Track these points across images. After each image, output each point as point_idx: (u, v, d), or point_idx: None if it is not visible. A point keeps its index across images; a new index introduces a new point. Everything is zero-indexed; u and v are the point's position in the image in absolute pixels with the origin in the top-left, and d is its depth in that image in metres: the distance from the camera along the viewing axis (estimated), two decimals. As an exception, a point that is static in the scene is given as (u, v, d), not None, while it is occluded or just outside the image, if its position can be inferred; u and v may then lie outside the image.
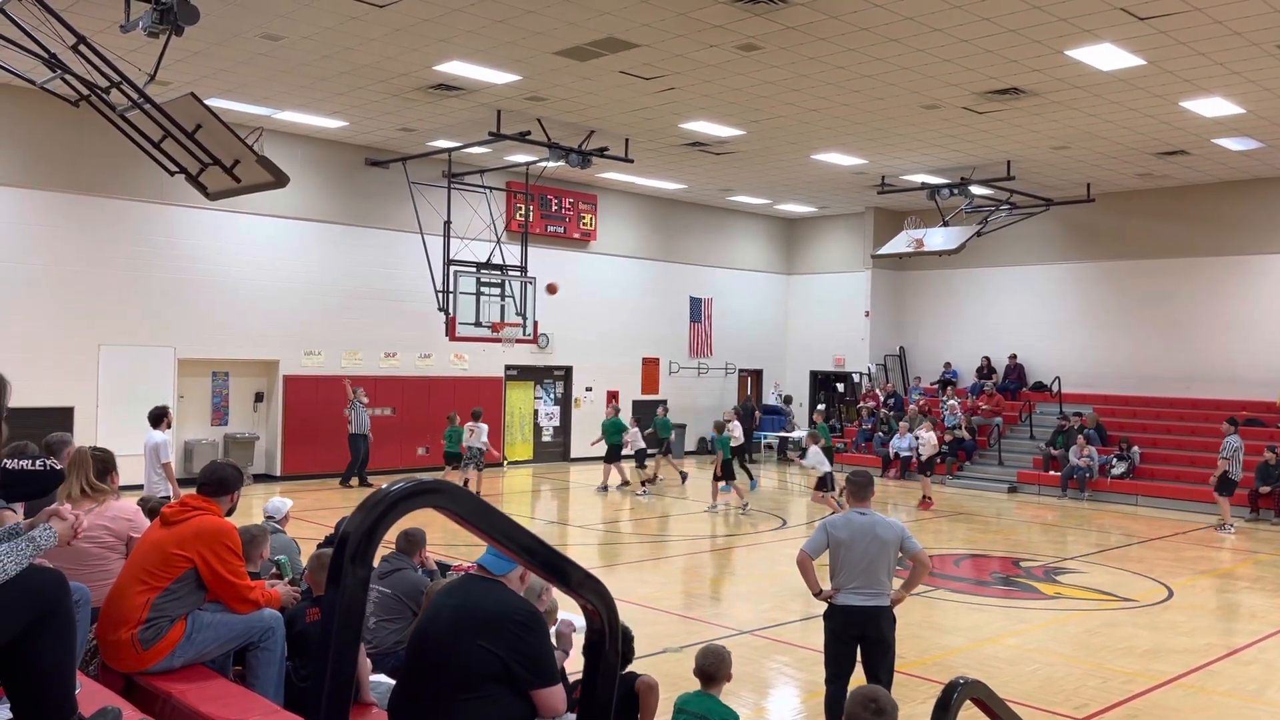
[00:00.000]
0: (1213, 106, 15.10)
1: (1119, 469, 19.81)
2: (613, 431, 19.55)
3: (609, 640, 1.68)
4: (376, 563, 6.62)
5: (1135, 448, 20.05)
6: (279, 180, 10.36)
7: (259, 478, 18.70)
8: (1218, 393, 21.03)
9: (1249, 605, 11.04)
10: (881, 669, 6.05)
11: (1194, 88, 14.22)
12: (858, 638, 6.14)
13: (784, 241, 28.63)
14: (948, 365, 25.42)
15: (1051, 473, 20.40)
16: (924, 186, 20.82)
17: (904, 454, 21.59)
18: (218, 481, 4.84)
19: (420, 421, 20.62)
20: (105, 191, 16.81)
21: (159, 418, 11.06)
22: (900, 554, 6.23)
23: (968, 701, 3.14)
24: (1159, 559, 13.73)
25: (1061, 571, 12.72)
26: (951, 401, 23.07)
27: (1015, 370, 24.22)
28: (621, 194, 24.46)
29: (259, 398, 19.42)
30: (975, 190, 20.30)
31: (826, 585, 6.32)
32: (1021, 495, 20.34)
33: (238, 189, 10.64)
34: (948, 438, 22.15)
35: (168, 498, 9.47)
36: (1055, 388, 23.21)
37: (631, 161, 18.43)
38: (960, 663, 8.64)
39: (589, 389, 24.27)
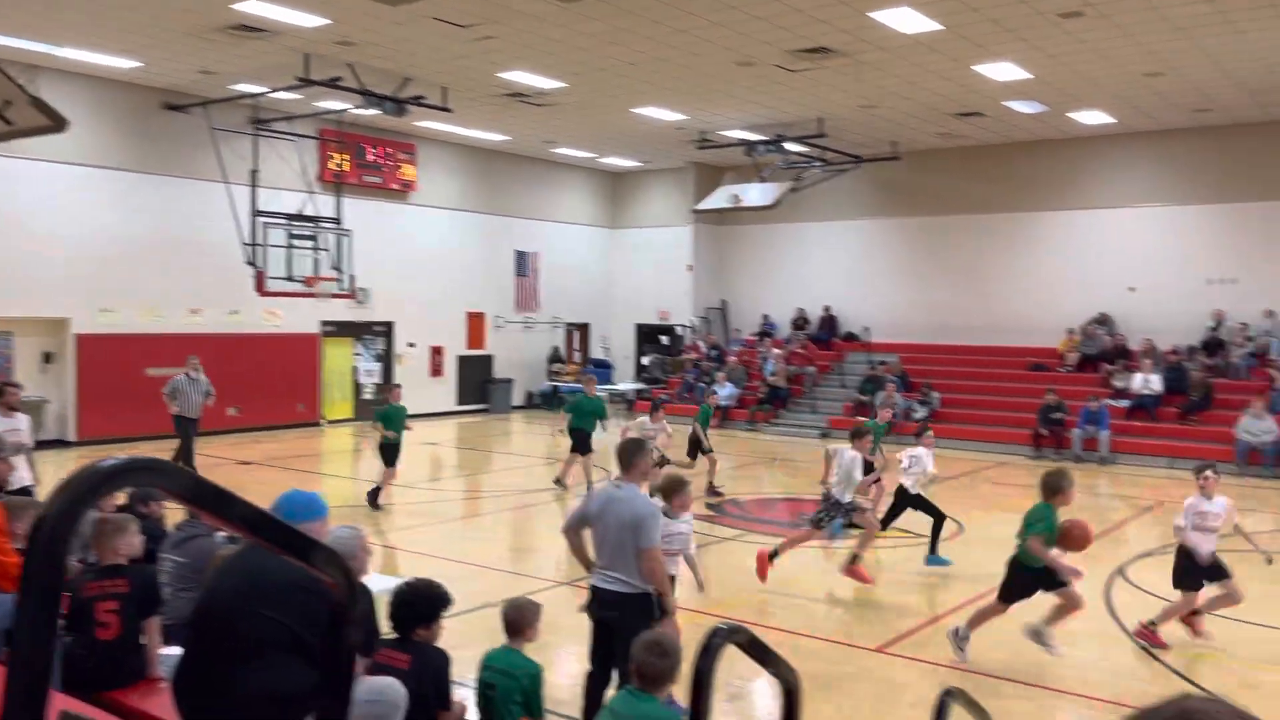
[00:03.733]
0: (1003, 71, 16.03)
1: (921, 413, 21.04)
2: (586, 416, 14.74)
3: (349, 615, 1.66)
4: (171, 530, 6.35)
5: (936, 393, 21.34)
6: (57, 124, 9.50)
7: (48, 444, 17.44)
8: (1010, 340, 22.60)
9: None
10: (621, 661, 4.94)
11: (986, 53, 15.05)
12: (605, 623, 5.56)
13: (609, 195, 28.72)
14: (766, 317, 26.27)
15: (861, 418, 21.44)
16: (742, 143, 21.27)
17: (724, 403, 22.22)
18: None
19: (228, 381, 19.65)
20: None
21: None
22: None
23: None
24: (954, 496, 14.69)
25: (863, 511, 13.42)
26: (774, 352, 23.89)
27: (828, 321, 25.28)
28: (442, 144, 23.88)
29: (47, 358, 18.05)
30: (790, 147, 20.88)
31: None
32: (833, 441, 21.31)
33: (9, 132, 9.74)
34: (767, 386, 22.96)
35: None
36: (865, 337, 24.38)
37: (450, 111, 17.99)
38: (771, 602, 9.04)
39: (411, 344, 23.78)
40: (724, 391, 23.02)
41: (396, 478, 13.31)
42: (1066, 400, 19.12)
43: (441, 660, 4.35)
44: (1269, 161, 19.76)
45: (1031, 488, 15.12)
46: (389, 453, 12.98)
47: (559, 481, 14.56)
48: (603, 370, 27.45)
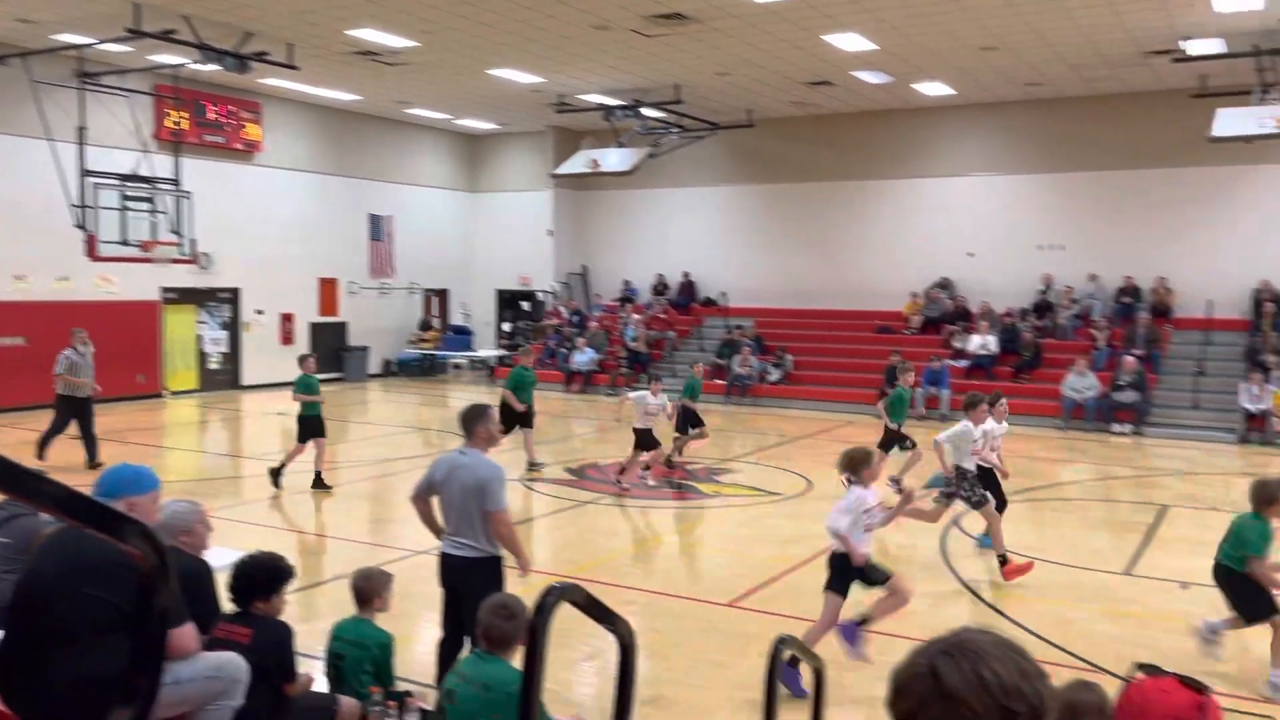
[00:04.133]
0: (851, 41, 16.50)
1: (775, 376, 21.66)
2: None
3: (156, 588, 1.63)
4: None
5: (789, 356, 21.98)
6: None
7: None
8: (859, 304, 23.44)
9: (882, 491, 12.53)
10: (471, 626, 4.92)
11: (834, 23, 15.45)
12: (454, 589, 5.55)
13: (467, 158, 28.24)
14: (627, 283, 26.44)
15: (719, 381, 21.94)
16: (599, 107, 21.23)
17: (584, 368, 22.36)
18: None
19: (58, 351, 18.57)
20: None
21: None
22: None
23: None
24: (804, 455, 15.26)
25: (722, 472, 13.81)
26: (634, 317, 24.10)
27: (687, 287, 25.64)
28: (290, 103, 22.95)
29: None
30: (647, 113, 20.98)
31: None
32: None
33: None
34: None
35: None
36: (722, 303, 24.86)
37: (296, 69, 17.29)
38: (625, 564, 9.21)
39: (260, 311, 22.92)
40: (584, 357, 23.14)
41: (305, 451, 12.44)
42: (911, 361, 19.97)
43: (283, 633, 4.28)
44: (1093, 134, 21.02)
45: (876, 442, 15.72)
46: (313, 426, 12.19)
47: (532, 464, 13.52)
48: (463, 337, 27.14)
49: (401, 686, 4.88)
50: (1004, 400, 9.99)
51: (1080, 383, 18.28)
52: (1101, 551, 9.72)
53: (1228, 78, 16.92)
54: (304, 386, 12.27)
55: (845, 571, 6.34)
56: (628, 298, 26.02)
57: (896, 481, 11.84)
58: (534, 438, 13.82)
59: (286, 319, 23.50)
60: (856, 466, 6.41)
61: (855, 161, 23.59)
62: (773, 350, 22.28)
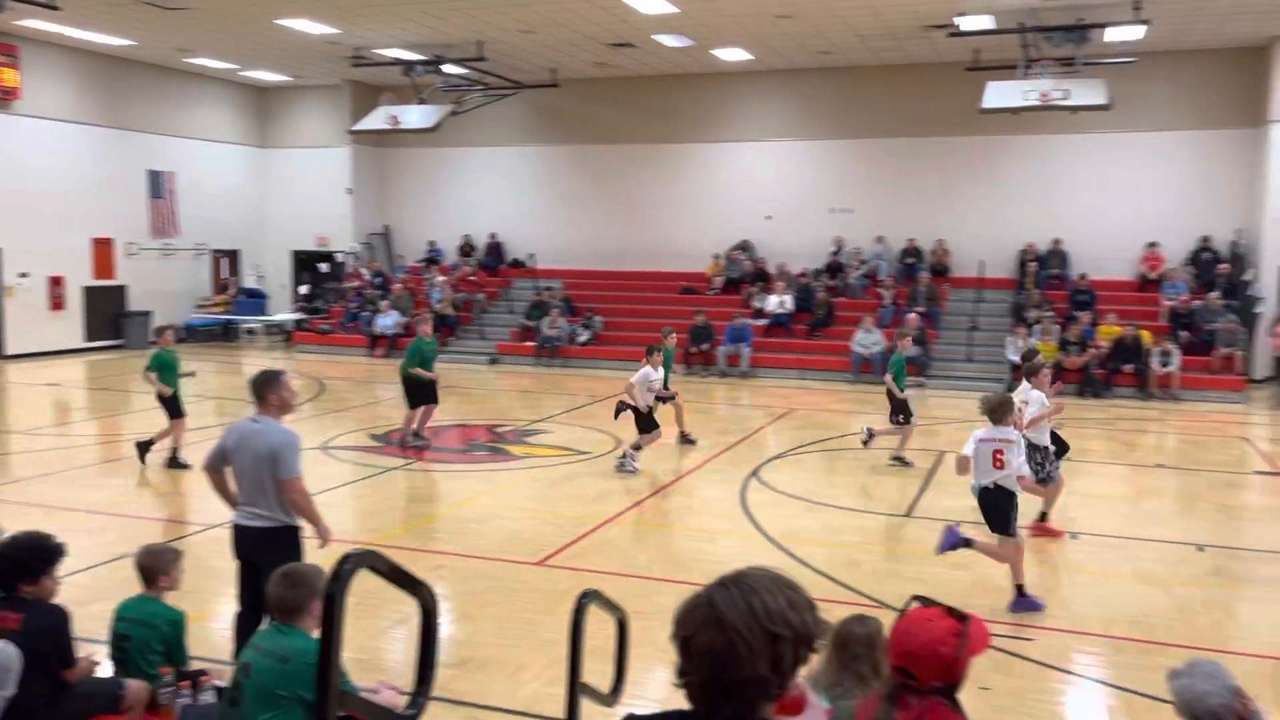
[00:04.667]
0: (652, 4, 16.64)
1: (584, 337, 21.83)
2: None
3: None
4: None
5: (598, 317, 22.18)
6: None
7: None
8: (664, 265, 23.88)
9: (679, 447, 12.93)
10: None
11: (637, -14, 15.53)
12: (248, 562, 5.37)
13: (256, 111, 26.72)
14: (432, 244, 25.88)
15: (528, 343, 21.90)
16: (398, 62, 20.56)
17: (388, 332, 21.83)
18: None
19: None
20: None
21: None
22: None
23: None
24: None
25: (532, 433, 13.85)
26: (440, 279, 23.63)
27: (494, 248, 25.37)
28: (53, 47, 20.99)
29: None
30: (449, 69, 20.49)
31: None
32: (502, 366, 21.61)
33: None
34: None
35: None
36: (531, 264, 24.76)
37: (57, 9, 15.84)
38: (435, 528, 9.11)
39: (24, 275, 21.01)
40: (388, 320, 22.55)
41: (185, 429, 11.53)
42: (714, 321, 20.61)
43: (58, 616, 4.01)
44: (880, 103, 22.14)
45: (685, 403, 16.15)
46: (171, 404, 11.33)
47: (418, 435, 12.78)
48: (257, 300, 25.86)
49: (196, 665, 4.68)
50: (1047, 369, 9.35)
51: (868, 339, 19.37)
52: (887, 496, 10.40)
53: (997, 53, 18.18)
54: (160, 363, 11.32)
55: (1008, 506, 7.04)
56: (433, 259, 25.49)
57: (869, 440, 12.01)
58: (414, 415, 12.78)
59: (56, 282, 21.68)
60: (1001, 412, 7.07)
61: (659, 124, 23.91)
62: (581, 312, 22.41)
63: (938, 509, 9.82)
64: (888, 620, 2.81)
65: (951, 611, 2.52)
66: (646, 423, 11.49)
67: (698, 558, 8.16)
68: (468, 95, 21.81)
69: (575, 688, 3.85)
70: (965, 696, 2.50)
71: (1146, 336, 18.18)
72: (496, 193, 25.49)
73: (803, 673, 1.91)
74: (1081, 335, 18.32)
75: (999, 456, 6.97)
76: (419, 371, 12.64)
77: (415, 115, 20.63)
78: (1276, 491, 10.66)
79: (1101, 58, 17.52)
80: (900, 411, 11.87)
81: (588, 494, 10.33)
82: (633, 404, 11.53)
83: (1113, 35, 16.90)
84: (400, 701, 3.62)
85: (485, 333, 23.04)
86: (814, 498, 10.29)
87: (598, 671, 4.42)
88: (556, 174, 25.11)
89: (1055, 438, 9.23)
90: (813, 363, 20.08)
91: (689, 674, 1.84)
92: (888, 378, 12.07)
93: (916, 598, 2.61)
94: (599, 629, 4.52)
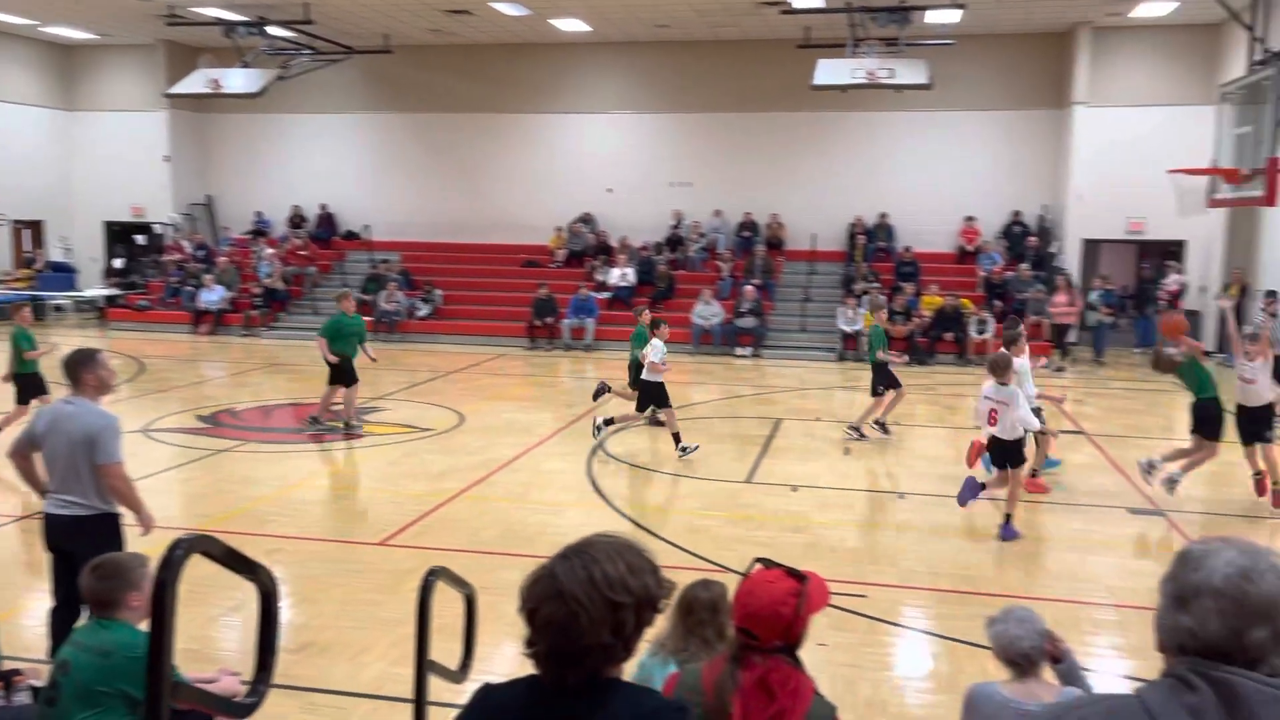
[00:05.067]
0: (490, -28, 16.33)
1: (424, 311, 21.39)
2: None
3: None
4: None
5: (438, 290, 21.76)
6: None
7: None
8: (505, 238, 23.62)
9: (524, 422, 12.88)
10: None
11: (473, -49, 15.19)
12: (63, 553, 5.05)
13: (60, 71, 24.79)
14: (259, 215, 24.75)
15: (365, 318, 21.22)
16: (219, 22, 19.43)
17: (214, 308, 20.79)
18: None
19: None
20: None
21: None
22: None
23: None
24: (456, 390, 15.28)
25: (372, 411, 13.49)
26: (268, 251, 22.64)
27: (326, 219, 24.47)
28: None
29: None
30: (274, 31, 19.54)
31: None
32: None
33: None
34: (258, 289, 21.77)
35: None
36: (366, 236, 24.03)
37: None
38: (269, 511, 8.78)
39: None
40: (213, 295, 21.49)
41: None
42: (557, 294, 20.56)
43: None
44: (717, 78, 22.49)
45: (529, 376, 16.06)
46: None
47: (314, 420, 12.18)
48: (65, 275, 24.12)
49: (8, 665, 4.36)
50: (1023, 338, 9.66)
51: (707, 311, 19.76)
52: (727, 463, 10.67)
53: (827, 31, 18.71)
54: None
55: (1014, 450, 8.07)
56: (261, 231, 24.39)
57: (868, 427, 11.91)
58: (331, 396, 12.23)
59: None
60: (1002, 371, 8.04)
61: (499, 94, 23.55)
62: (420, 285, 21.94)
63: (778, 474, 10.15)
64: (732, 584, 2.88)
65: (791, 572, 2.61)
66: (662, 393, 10.85)
67: (544, 531, 8.17)
68: (295, 59, 20.85)
69: (423, 666, 3.80)
70: (804, 653, 2.60)
71: (968, 304, 19.27)
72: (328, 162, 24.56)
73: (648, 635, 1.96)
74: (906, 305, 19.24)
75: (994, 415, 8.02)
76: (322, 346, 12.10)
77: (238, 79, 19.59)
78: (1079, 448, 11.52)
79: (922, 39, 18.32)
80: (882, 381, 11.90)
81: (431, 471, 10.17)
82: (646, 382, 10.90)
83: (932, 18, 17.70)
84: (240, 690, 3.48)
85: (319, 308, 22.17)
86: (658, 467, 10.46)
87: (445, 649, 4.37)
88: (392, 143, 24.40)
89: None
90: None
91: (536, 644, 1.88)
92: (880, 352, 11.94)
93: (759, 560, 2.69)
94: (445, 606, 4.47)
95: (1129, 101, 19.98)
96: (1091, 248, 21.07)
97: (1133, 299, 20.65)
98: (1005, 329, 9.92)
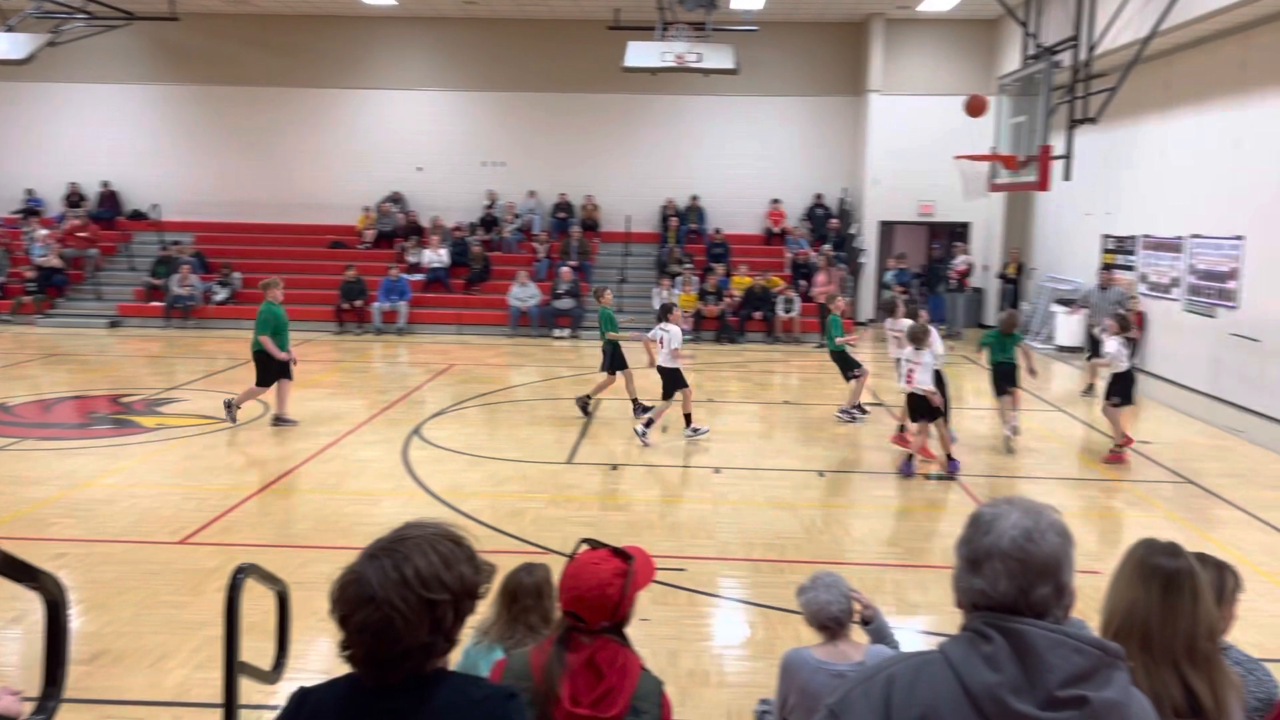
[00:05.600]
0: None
1: (222, 295, 20.25)
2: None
3: None
4: None
5: (237, 274, 20.64)
6: None
7: None
8: (310, 218, 22.65)
9: (333, 409, 12.41)
10: None
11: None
12: None
13: None
14: (30, 192, 22.73)
15: (155, 304, 19.96)
16: (-22, -21, 17.65)
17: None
18: None
19: None
20: None
21: None
22: None
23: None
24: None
25: (165, 402, 12.69)
26: (41, 232, 20.83)
27: (109, 198, 22.75)
28: None
29: None
30: (44, -8, 17.91)
31: None
32: (124, 329, 19.55)
33: None
34: (31, 273, 20.03)
35: None
36: (154, 216, 22.50)
37: None
38: (52, 513, 8.11)
39: None
40: (-20, 280, 19.59)
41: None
42: (366, 276, 19.91)
43: None
44: (529, 56, 22.28)
45: (338, 362, 15.56)
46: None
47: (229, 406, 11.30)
48: None
49: None
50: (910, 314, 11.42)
51: (524, 292, 19.64)
52: (547, 445, 10.66)
53: (637, 14, 18.86)
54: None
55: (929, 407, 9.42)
56: (32, 210, 22.41)
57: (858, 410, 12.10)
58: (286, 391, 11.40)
59: None
60: (920, 339, 9.51)
61: (299, 68, 22.50)
62: (217, 268, 20.75)
63: (599, 454, 10.22)
64: (558, 565, 2.87)
65: (616, 551, 2.63)
66: (678, 381, 10.85)
67: (359, 521, 7.92)
68: (68, 24, 19.19)
69: (233, 668, 3.60)
70: (628, 630, 2.63)
71: (778, 282, 19.96)
72: (111, 136, 22.81)
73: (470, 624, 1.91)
74: (718, 285, 19.76)
75: (910, 375, 9.47)
76: (268, 343, 11.18)
77: (3, 44, 17.86)
78: (881, 420, 12.18)
79: (729, 25, 18.76)
80: (849, 367, 12.14)
81: (234, 464, 9.66)
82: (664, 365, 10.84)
83: (737, 3, 18.16)
84: (24, 708, 3.19)
85: (102, 292, 20.69)
86: (477, 451, 10.33)
87: (255, 649, 4.17)
88: (182, 117, 22.89)
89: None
90: (470, 317, 20.04)
91: (351, 649, 1.79)
92: (839, 339, 12.24)
93: (585, 540, 2.69)
94: (254, 605, 4.26)
95: (919, 90, 21.17)
96: (887, 229, 22.25)
97: (922, 278, 21.96)
98: (882, 300, 11.47)
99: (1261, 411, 12.57)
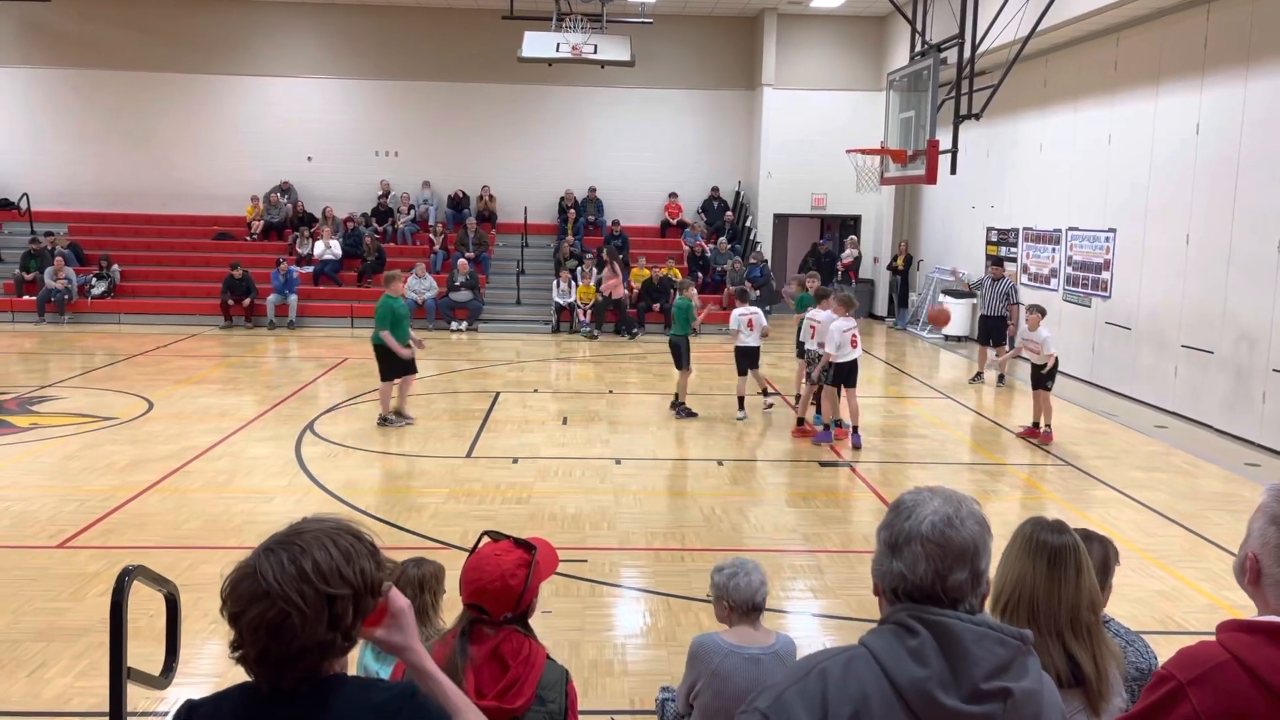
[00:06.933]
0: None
1: (100, 289, 19.39)
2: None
3: None
4: None
5: (116, 266, 19.79)
6: None
7: None
8: (193, 208, 21.86)
9: (221, 406, 12.02)
10: None
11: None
12: None
13: None
14: (-114, 180, 21.33)
15: (27, 298, 18.98)
16: None
17: None
18: None
19: None
20: None
21: None
22: None
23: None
24: (141, 374, 13.99)
25: (39, 400, 12.09)
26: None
27: (-25, 186, 21.52)
28: None
29: None
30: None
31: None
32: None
33: None
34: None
35: None
36: (24, 206, 21.38)
37: None
38: (-85, 520, 7.64)
39: None
40: None
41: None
42: (254, 269, 19.30)
43: None
44: (422, 44, 21.91)
45: (225, 357, 15.07)
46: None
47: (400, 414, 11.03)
48: None
49: None
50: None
51: (420, 285, 19.31)
52: (446, 440, 10.53)
53: (532, 4, 18.75)
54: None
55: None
56: (-111, 199, 21.05)
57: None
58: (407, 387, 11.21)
59: None
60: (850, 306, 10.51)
61: (180, 52, 21.66)
62: (94, 260, 19.84)
63: (498, 448, 10.15)
64: (459, 559, 2.85)
65: (519, 543, 2.61)
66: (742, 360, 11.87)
67: (250, 519, 7.69)
68: (-74, 0, 18.10)
69: (120, 674, 3.46)
70: (531, 622, 2.62)
71: (678, 274, 20.08)
72: (-26, 121, 21.58)
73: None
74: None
75: (854, 340, 10.29)
76: (390, 340, 10.68)
77: None
78: (780, 409, 12.39)
79: (624, 17, 18.80)
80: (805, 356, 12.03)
81: (117, 464, 9.27)
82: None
83: (633, -4, 18.20)
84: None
85: (-30, 287, 19.59)
86: (372, 447, 10.14)
87: (143, 655, 4.03)
88: (54, 103, 21.80)
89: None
90: (365, 310, 19.55)
91: (244, 648, 1.72)
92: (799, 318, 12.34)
93: (487, 533, 2.67)
94: (140, 608, 4.11)
95: (811, 85, 21.58)
96: (781, 222, 22.63)
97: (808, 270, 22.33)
98: (819, 288, 12.01)
99: (1133, 396, 13.24)
